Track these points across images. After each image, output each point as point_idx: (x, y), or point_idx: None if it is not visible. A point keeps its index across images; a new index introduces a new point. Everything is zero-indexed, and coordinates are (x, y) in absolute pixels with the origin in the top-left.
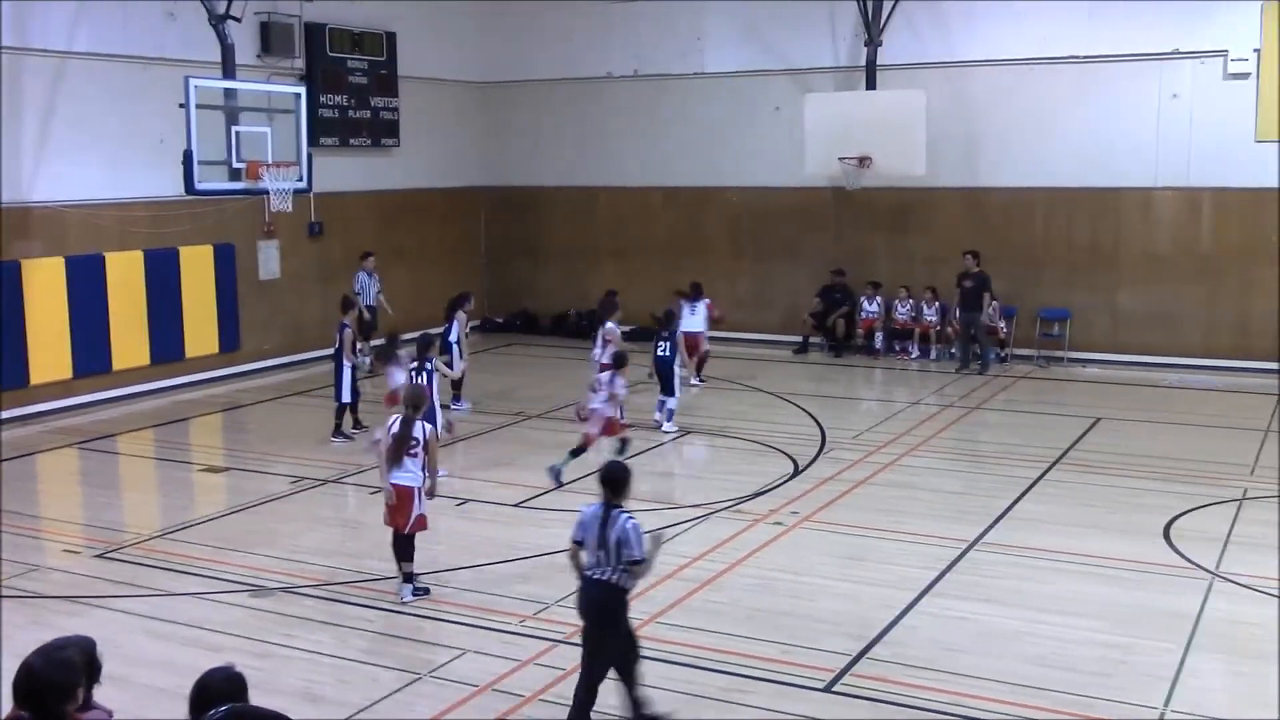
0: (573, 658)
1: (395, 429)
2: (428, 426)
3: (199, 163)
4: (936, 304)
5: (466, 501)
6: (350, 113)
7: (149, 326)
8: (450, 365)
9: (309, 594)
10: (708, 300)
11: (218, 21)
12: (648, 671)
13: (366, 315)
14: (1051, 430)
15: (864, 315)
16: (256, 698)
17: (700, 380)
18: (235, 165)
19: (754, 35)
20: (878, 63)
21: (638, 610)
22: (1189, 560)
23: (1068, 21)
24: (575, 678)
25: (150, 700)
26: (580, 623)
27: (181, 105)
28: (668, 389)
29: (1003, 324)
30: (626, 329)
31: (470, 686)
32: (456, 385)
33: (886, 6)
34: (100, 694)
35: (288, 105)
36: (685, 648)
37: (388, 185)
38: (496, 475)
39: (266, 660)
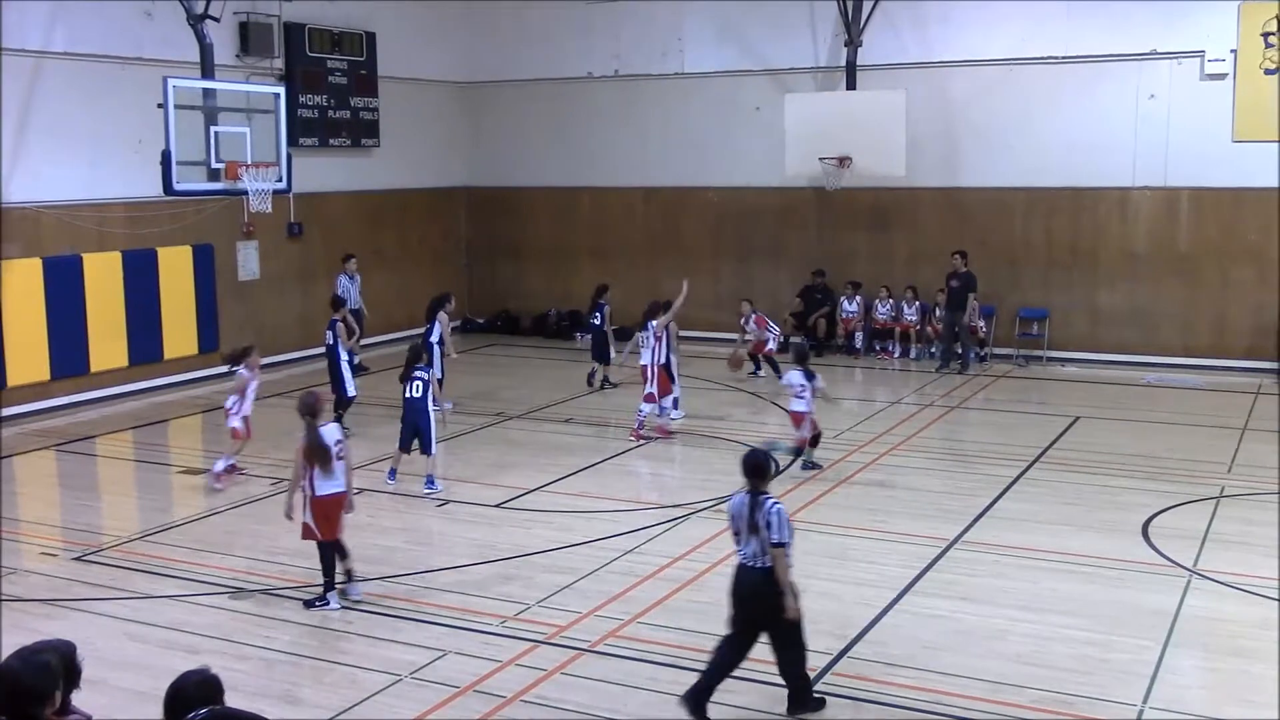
0: (554, 658)
1: (308, 441)
2: (335, 431)
3: (178, 163)
4: (917, 303)
5: (447, 502)
6: (330, 113)
7: (127, 328)
8: (430, 365)
9: (288, 596)
10: (756, 313)
11: (196, 21)
12: (632, 672)
13: (352, 322)
14: (1031, 429)
15: (844, 315)
16: (236, 700)
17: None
18: (214, 166)
19: (734, 35)
20: (858, 63)
21: (618, 610)
22: (1167, 558)
23: (1046, 22)
24: (557, 678)
25: (129, 704)
26: (733, 610)
27: (160, 105)
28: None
29: (982, 323)
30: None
31: (451, 688)
32: (438, 385)
33: (866, 7)
34: (79, 698)
35: (267, 105)
36: (667, 647)
37: (368, 186)
38: (478, 476)
39: (246, 663)
